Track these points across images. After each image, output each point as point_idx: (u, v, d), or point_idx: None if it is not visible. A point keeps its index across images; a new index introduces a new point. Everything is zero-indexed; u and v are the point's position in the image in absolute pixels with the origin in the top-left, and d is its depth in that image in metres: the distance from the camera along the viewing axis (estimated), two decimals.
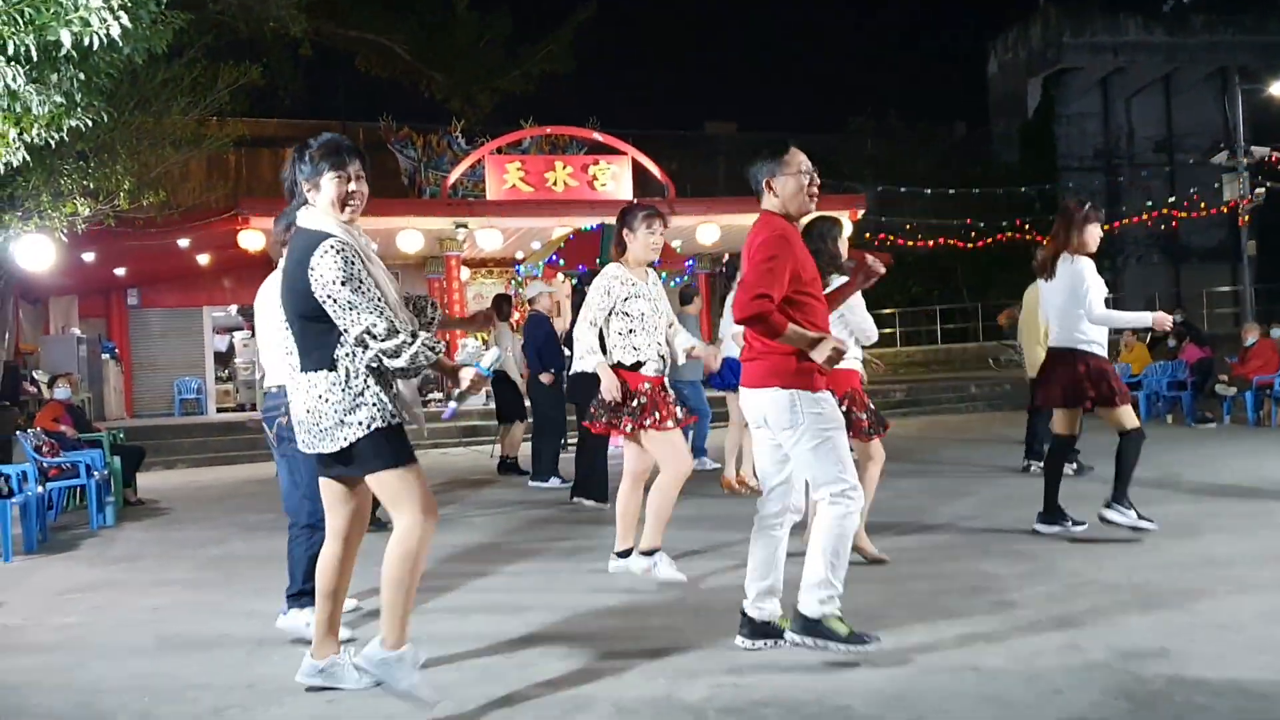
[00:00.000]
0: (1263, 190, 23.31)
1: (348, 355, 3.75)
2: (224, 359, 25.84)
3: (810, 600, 4.27)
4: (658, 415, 5.80)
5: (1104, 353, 6.64)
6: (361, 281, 3.69)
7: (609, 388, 5.81)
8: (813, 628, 4.24)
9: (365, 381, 3.76)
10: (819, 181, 4.55)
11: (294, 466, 5.15)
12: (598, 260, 14.35)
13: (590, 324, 5.92)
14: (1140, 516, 6.45)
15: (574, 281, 17.15)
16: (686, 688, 4.01)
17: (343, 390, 3.75)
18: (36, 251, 11.81)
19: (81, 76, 7.57)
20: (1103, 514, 6.50)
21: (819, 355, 4.23)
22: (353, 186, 3.89)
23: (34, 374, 16.62)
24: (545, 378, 10.25)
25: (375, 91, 27.42)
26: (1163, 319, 6.80)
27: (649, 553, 5.81)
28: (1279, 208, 25.63)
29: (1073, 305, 6.52)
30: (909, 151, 33.43)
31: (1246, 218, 23.66)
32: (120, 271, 20.39)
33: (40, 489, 8.49)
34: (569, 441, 11.59)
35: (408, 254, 18.93)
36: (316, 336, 3.78)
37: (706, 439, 11.24)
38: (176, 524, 9.40)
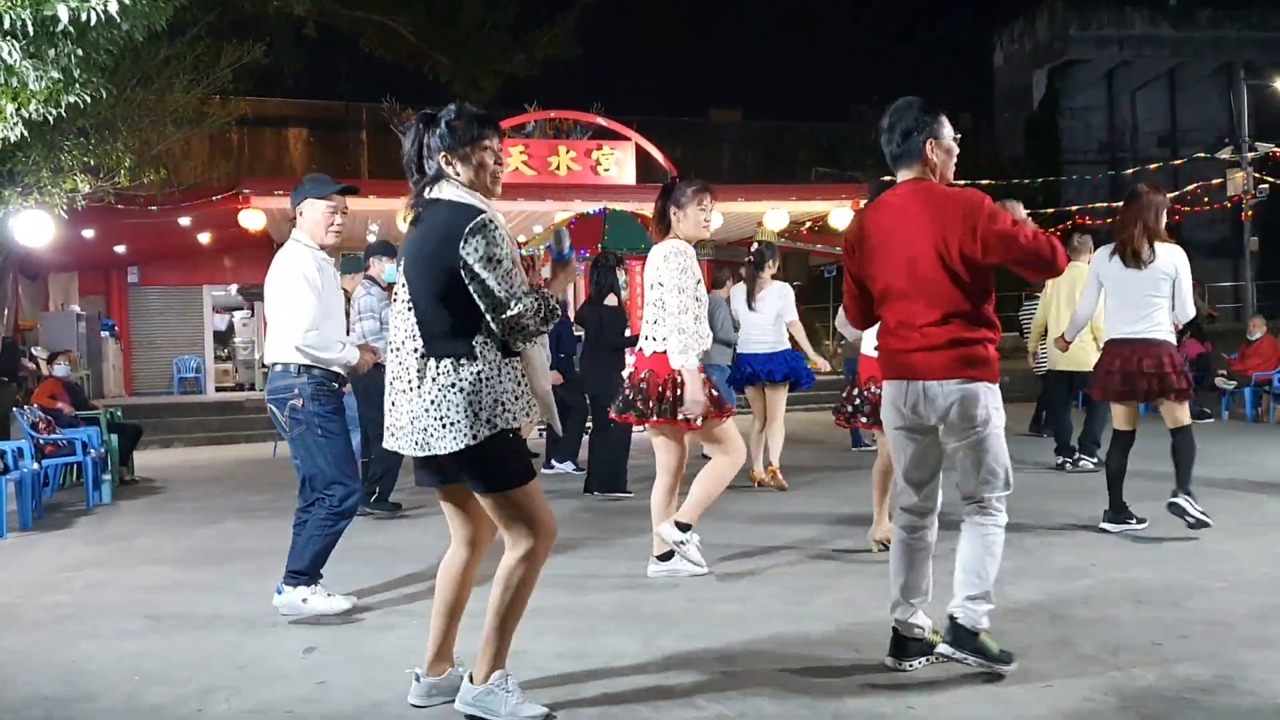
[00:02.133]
0: (1266, 186, 23.24)
1: (484, 342, 3.45)
2: (223, 338, 25.83)
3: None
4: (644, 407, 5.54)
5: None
6: (514, 263, 3.44)
7: (696, 391, 5.38)
8: (968, 641, 3.93)
9: (499, 371, 3.46)
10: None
11: (316, 448, 5.06)
12: (599, 246, 14.31)
13: (695, 316, 5.46)
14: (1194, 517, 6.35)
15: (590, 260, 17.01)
16: (677, 676, 4.00)
17: (479, 379, 3.43)
18: (36, 227, 11.79)
19: (79, 52, 7.53)
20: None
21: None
22: (496, 162, 3.63)
23: (33, 350, 16.61)
24: (554, 377, 10.08)
25: (379, 73, 27.32)
26: None
27: (684, 526, 5.57)
28: None
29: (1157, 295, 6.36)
30: None
31: (1249, 213, 23.60)
32: (120, 249, 20.36)
33: (36, 466, 8.48)
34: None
35: None
36: (450, 318, 3.45)
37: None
38: (172, 503, 9.39)
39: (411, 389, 3.49)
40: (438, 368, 3.45)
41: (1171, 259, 6.37)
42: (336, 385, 5.21)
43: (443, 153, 3.53)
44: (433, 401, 3.43)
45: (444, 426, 3.42)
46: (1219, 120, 34.59)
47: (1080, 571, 5.55)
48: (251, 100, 20.08)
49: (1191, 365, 14.95)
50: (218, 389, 23.27)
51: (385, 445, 3.64)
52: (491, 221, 3.41)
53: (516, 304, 3.39)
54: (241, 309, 25.34)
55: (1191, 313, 6.57)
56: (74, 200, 11.62)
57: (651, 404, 5.51)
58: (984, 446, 3.96)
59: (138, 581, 6.07)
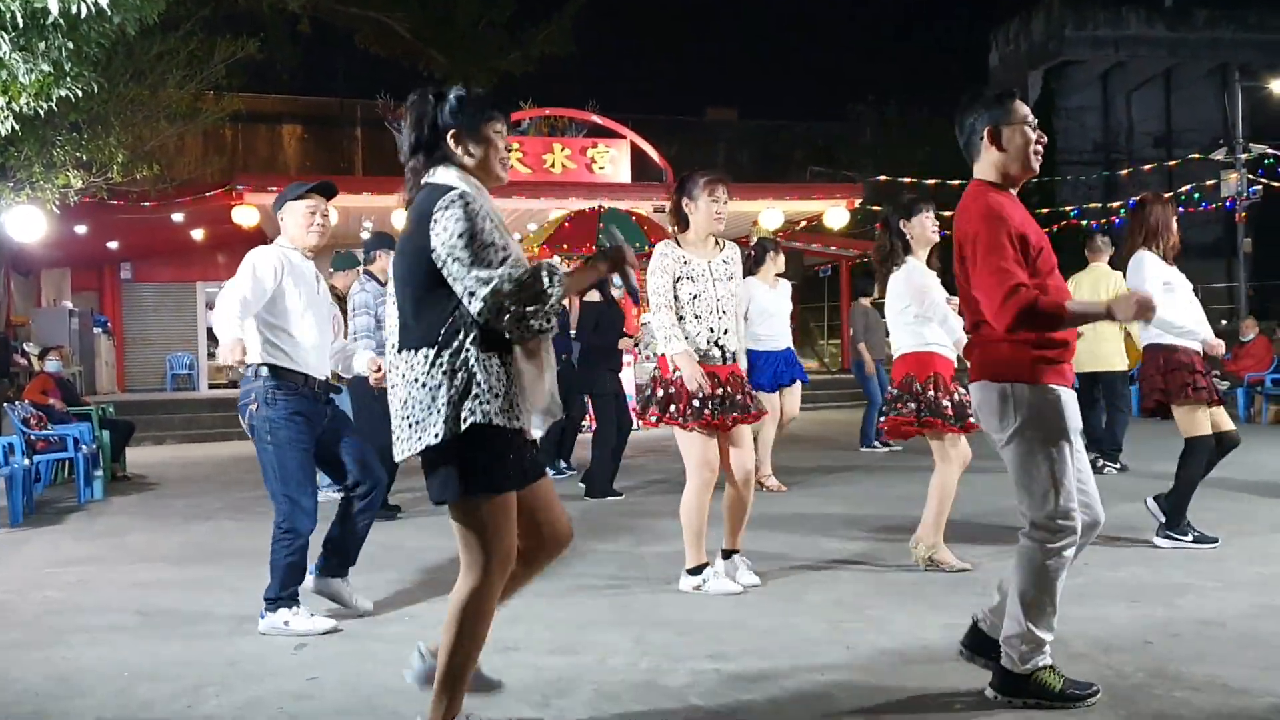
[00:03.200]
0: (1260, 187, 23.28)
1: (457, 332, 3.11)
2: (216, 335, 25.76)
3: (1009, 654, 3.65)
4: (675, 410, 5.27)
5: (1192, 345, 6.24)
6: (494, 229, 3.13)
7: (690, 377, 5.18)
8: (1018, 685, 3.61)
9: (475, 362, 3.11)
10: (1044, 138, 3.77)
11: (262, 457, 4.84)
12: (595, 245, 14.29)
13: (665, 308, 5.28)
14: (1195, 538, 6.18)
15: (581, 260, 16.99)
16: (669, 673, 4.00)
17: (449, 374, 3.09)
18: (28, 223, 11.76)
19: (70, 45, 7.52)
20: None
21: (1124, 313, 3.39)
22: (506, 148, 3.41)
23: (25, 346, 16.56)
24: None
25: (374, 69, 27.27)
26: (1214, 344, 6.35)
27: (695, 570, 5.36)
28: (1276, 205, 25.61)
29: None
30: (909, 141, 33.35)
31: (1243, 214, 23.64)
32: (113, 245, 20.29)
33: (27, 461, 8.46)
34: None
35: None
36: (419, 307, 3.16)
37: None
38: (164, 500, 9.37)
39: (392, 388, 3.23)
40: (407, 361, 3.17)
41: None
42: (298, 387, 4.86)
43: (453, 131, 3.26)
44: (403, 400, 3.16)
45: (411, 426, 3.13)
46: (1214, 121, 34.63)
47: (1073, 569, 5.53)
48: (246, 96, 19.98)
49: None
50: (211, 386, 23.22)
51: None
52: (463, 197, 3.11)
53: (489, 284, 3.02)
54: None
55: None
56: (66, 195, 11.60)
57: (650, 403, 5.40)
58: None
59: (129, 578, 6.06)
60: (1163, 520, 6.24)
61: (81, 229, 16.77)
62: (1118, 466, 9.31)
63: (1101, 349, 8.60)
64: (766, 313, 8.93)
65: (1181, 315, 6.15)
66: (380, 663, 4.21)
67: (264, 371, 4.83)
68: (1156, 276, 6.17)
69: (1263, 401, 13.95)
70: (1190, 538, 6.14)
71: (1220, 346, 6.41)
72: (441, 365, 3.10)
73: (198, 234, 19.43)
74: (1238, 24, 36.46)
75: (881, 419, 6.47)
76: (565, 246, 15.26)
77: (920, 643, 4.31)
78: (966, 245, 3.61)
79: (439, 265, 3.09)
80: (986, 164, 3.74)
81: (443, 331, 3.11)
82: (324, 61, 29.94)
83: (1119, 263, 7.32)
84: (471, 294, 3.04)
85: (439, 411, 3.08)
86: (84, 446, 9.25)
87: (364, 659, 4.28)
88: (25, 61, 7.26)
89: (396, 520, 7.76)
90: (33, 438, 9.06)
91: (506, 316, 3.03)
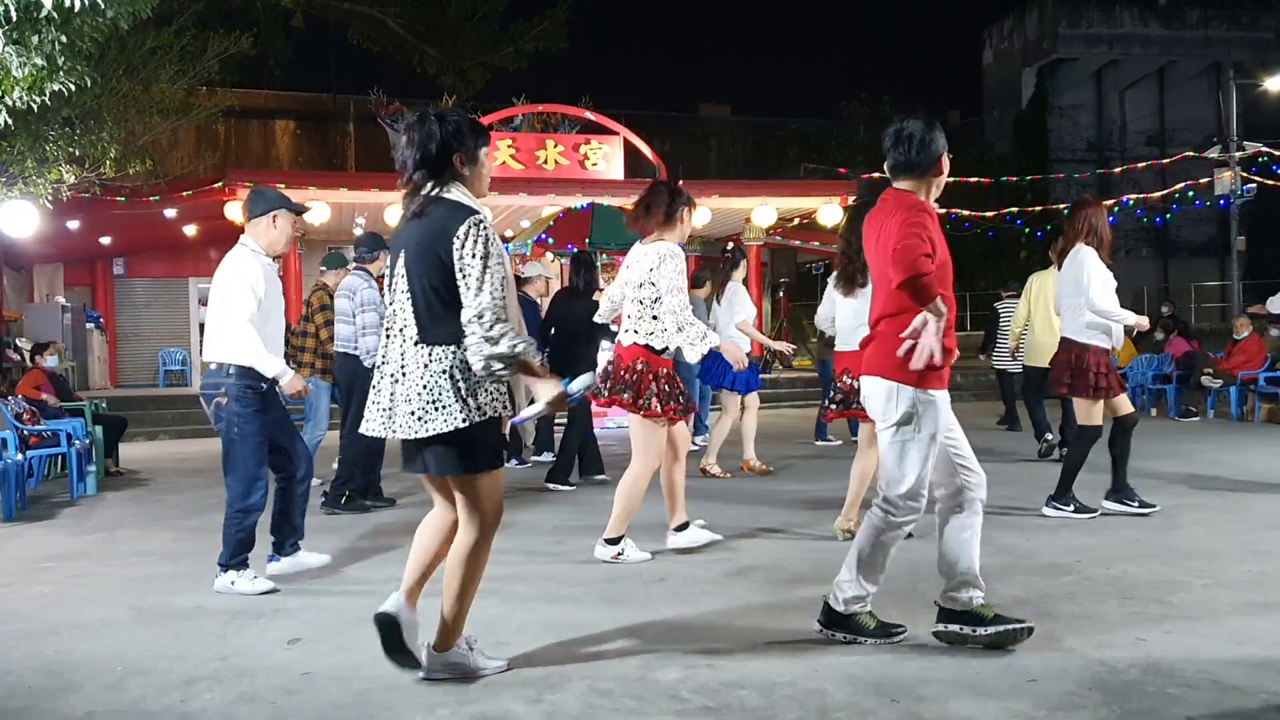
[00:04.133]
0: (1254, 186, 23.32)
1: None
2: None
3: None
4: (633, 397, 5.76)
5: (1103, 344, 6.94)
6: (500, 264, 3.66)
7: (738, 358, 6.40)
8: (840, 621, 4.30)
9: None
10: None
11: (229, 445, 5.48)
12: (587, 241, 14.28)
13: (688, 306, 5.78)
14: (1078, 508, 7.06)
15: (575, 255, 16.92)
16: (661, 668, 4.00)
17: (467, 366, 3.66)
18: (21, 218, 11.73)
19: (64, 39, 7.48)
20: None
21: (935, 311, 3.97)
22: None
23: (17, 341, 16.52)
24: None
25: (367, 65, 27.33)
26: (1142, 322, 7.15)
27: (613, 540, 5.90)
28: (1269, 204, 25.67)
29: (1075, 295, 6.88)
30: None
31: (1237, 213, 23.68)
32: (106, 240, 20.25)
33: (20, 457, 8.44)
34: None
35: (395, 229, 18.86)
36: (445, 309, 3.67)
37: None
38: (157, 495, 9.36)
39: (404, 374, 3.69)
40: (430, 354, 3.66)
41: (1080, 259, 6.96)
42: (264, 387, 5.47)
43: (457, 153, 3.77)
44: (425, 386, 3.64)
45: (436, 409, 3.63)
46: (1207, 119, 34.72)
47: (1065, 567, 5.57)
48: (238, 92, 20.01)
49: (1178, 364, 15.10)
50: None
51: (365, 430, 3.83)
52: (483, 221, 3.67)
53: (488, 328, 3.57)
54: None
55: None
56: (59, 191, 11.56)
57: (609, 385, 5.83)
58: None
59: (122, 572, 6.05)
60: (1131, 510, 7.05)
61: (74, 224, 16.72)
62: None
63: (1050, 343, 8.73)
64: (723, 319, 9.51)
65: (1121, 310, 6.88)
66: (373, 657, 4.19)
67: (234, 370, 5.37)
68: (1098, 267, 6.81)
69: (1255, 400, 13.98)
70: (1072, 508, 7.04)
71: (1145, 322, 7.21)
72: (463, 360, 3.65)
73: (190, 229, 19.39)
74: (1231, 22, 36.54)
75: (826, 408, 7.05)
76: (551, 242, 15.28)
77: (913, 638, 4.31)
78: (887, 230, 4.11)
79: (457, 274, 3.63)
80: (921, 183, 4.28)
81: (459, 331, 3.66)
82: (317, 57, 30.00)
83: (1059, 258, 7.70)
84: (478, 318, 3.59)
85: (461, 400, 3.63)
86: (77, 442, 9.23)
87: (356, 654, 4.27)
88: (18, 55, 7.23)
89: (394, 510, 7.77)
90: (26, 433, 9.04)
91: (481, 360, 3.60)
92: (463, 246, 3.61)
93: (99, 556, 6.57)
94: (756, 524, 6.98)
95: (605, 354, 6.88)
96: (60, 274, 22.21)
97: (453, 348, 3.66)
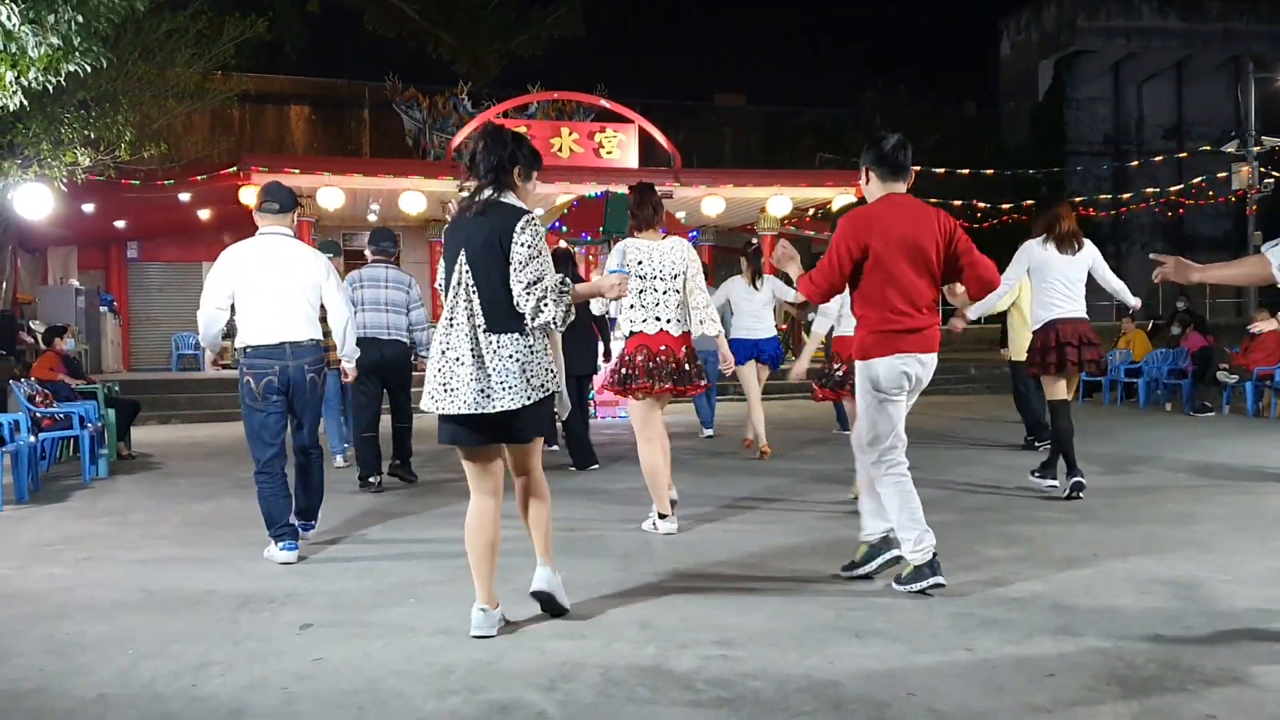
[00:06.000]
0: (1271, 180, 23.18)
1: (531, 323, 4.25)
2: None
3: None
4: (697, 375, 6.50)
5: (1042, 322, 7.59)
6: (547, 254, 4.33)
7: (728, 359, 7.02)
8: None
9: (545, 345, 4.32)
10: None
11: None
12: (601, 229, 14.23)
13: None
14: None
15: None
16: (675, 658, 3.97)
17: (530, 351, 4.24)
18: (36, 200, 11.74)
19: (80, 19, 7.46)
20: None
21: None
22: None
23: (31, 324, 16.56)
24: None
25: (382, 51, 27.22)
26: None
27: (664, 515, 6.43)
28: None
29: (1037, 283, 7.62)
30: (917, 129, 33.21)
31: (1254, 207, 23.55)
32: (120, 224, 20.29)
33: (33, 439, 8.45)
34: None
35: (410, 215, 18.83)
36: (509, 300, 4.21)
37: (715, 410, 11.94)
38: (169, 478, 9.36)
39: (472, 357, 4.18)
40: (499, 341, 4.20)
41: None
42: (264, 362, 5.90)
43: (519, 167, 4.39)
44: (494, 369, 4.18)
45: (505, 389, 4.17)
46: (1225, 113, 34.54)
47: (1082, 561, 5.52)
48: (254, 77, 19.98)
49: (1194, 359, 15.01)
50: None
51: (432, 409, 4.28)
52: (536, 220, 4.31)
53: (540, 291, 4.19)
54: None
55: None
56: (74, 173, 11.57)
57: (680, 373, 6.39)
58: None
59: (133, 556, 6.04)
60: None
61: (89, 207, 16.76)
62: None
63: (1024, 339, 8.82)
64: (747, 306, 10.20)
65: (1040, 301, 7.58)
66: (384, 644, 4.19)
67: (245, 350, 5.96)
68: (1020, 263, 7.63)
69: (1272, 396, 13.88)
70: (1046, 483, 7.68)
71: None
72: (529, 345, 4.25)
73: (204, 214, 19.41)
74: (1251, 15, 36.32)
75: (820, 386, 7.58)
76: (565, 230, 15.25)
77: (929, 632, 4.28)
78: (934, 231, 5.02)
79: (512, 264, 4.20)
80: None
81: (525, 322, 4.24)
82: (332, 43, 29.95)
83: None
84: (527, 294, 4.18)
85: (526, 380, 4.21)
86: (89, 424, 9.23)
87: (368, 640, 4.26)
88: (34, 35, 7.20)
89: (413, 501, 7.77)
90: (38, 415, 9.05)
91: (540, 315, 4.20)
92: (520, 235, 4.20)
93: (111, 539, 6.57)
94: (774, 508, 6.95)
95: (617, 344, 7.02)
96: (74, 257, 22.25)
97: (516, 334, 4.21)
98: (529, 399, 4.19)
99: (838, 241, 4.94)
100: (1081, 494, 7.31)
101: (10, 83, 7.65)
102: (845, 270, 4.94)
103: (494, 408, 4.15)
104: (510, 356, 4.19)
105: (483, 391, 4.15)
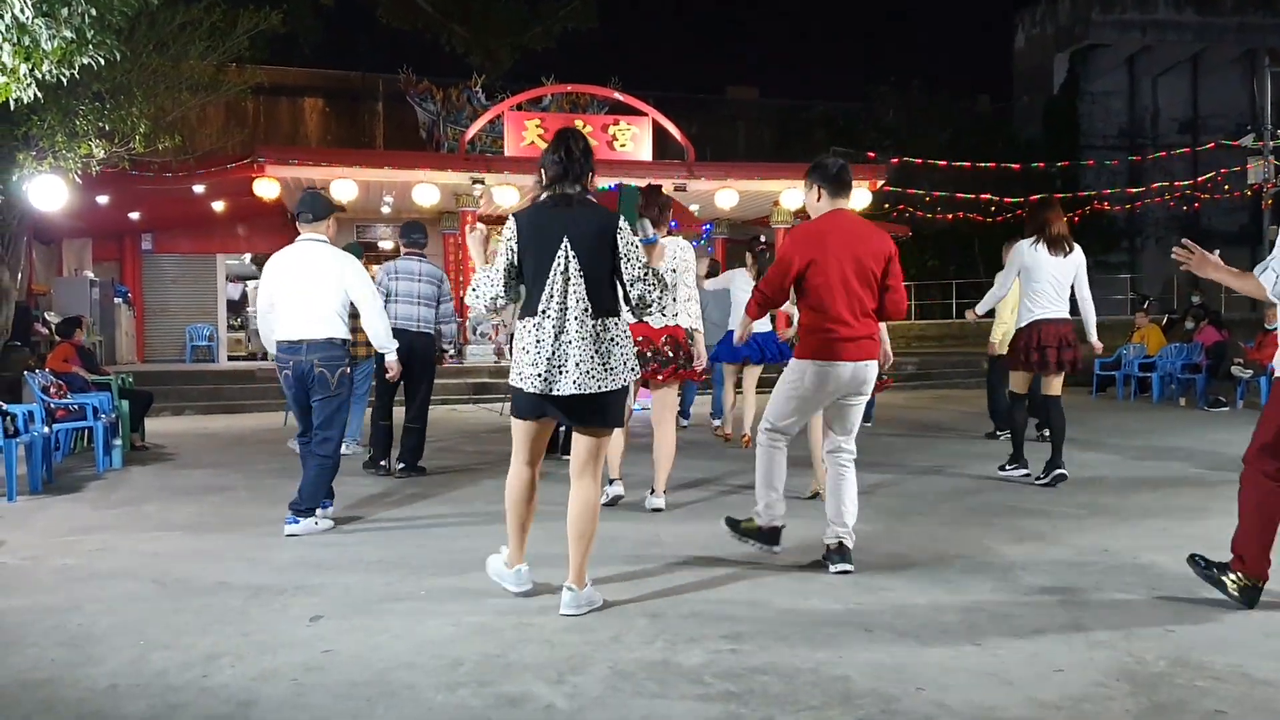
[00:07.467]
0: None
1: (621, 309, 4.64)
2: (236, 307, 25.81)
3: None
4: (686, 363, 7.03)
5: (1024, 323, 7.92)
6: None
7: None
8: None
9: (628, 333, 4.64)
10: None
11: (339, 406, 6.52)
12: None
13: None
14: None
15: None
16: (684, 652, 3.97)
17: (627, 337, 4.59)
18: (50, 192, 11.76)
19: (93, 12, 7.46)
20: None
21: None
22: None
23: (45, 315, 16.63)
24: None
25: (396, 43, 27.30)
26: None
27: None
28: None
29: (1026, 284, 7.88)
30: (930, 123, 33.10)
31: (1270, 201, 23.41)
32: (134, 216, 20.35)
33: (47, 430, 8.48)
34: None
35: (423, 207, 18.85)
36: (612, 288, 4.58)
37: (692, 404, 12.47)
38: (182, 470, 9.39)
39: (578, 339, 4.44)
40: (603, 324, 4.51)
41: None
42: (284, 356, 6.40)
43: (591, 174, 4.69)
44: (598, 351, 4.47)
45: (607, 371, 4.48)
46: (1241, 107, 34.33)
47: (1092, 556, 5.51)
48: (268, 69, 19.97)
49: (1208, 353, 14.95)
50: (230, 358, 23.30)
51: (527, 388, 4.48)
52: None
53: (647, 278, 4.60)
54: (255, 278, 25.32)
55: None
56: (88, 165, 11.59)
57: (680, 359, 6.94)
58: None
59: (145, 546, 6.07)
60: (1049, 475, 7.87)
61: (103, 199, 16.80)
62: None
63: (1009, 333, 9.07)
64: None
65: (1027, 300, 7.83)
66: (394, 635, 4.21)
67: (340, 342, 6.48)
68: (1012, 265, 7.93)
69: None
70: (1019, 473, 8.18)
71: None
72: (620, 329, 4.57)
73: (219, 206, 19.46)
74: (1267, 9, 36.06)
75: None
76: None
77: (939, 626, 4.28)
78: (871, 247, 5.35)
79: (622, 255, 4.56)
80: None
81: (620, 307, 4.63)
82: (346, 35, 29.99)
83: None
84: (641, 280, 4.58)
85: (625, 363, 4.56)
86: (103, 416, 9.27)
87: (377, 632, 4.27)
88: (48, 28, 7.21)
89: (422, 492, 7.78)
90: (52, 406, 9.08)
91: (648, 295, 4.61)
92: (623, 231, 4.58)
93: (123, 530, 6.60)
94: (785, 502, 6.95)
95: None
96: (89, 249, 22.33)
97: (616, 319, 4.55)
98: (625, 381, 4.52)
99: (784, 254, 5.32)
100: (1058, 485, 7.75)
101: (24, 75, 7.66)
102: (787, 282, 5.31)
103: (599, 388, 4.44)
104: (613, 340, 4.51)
105: (588, 372, 4.42)
